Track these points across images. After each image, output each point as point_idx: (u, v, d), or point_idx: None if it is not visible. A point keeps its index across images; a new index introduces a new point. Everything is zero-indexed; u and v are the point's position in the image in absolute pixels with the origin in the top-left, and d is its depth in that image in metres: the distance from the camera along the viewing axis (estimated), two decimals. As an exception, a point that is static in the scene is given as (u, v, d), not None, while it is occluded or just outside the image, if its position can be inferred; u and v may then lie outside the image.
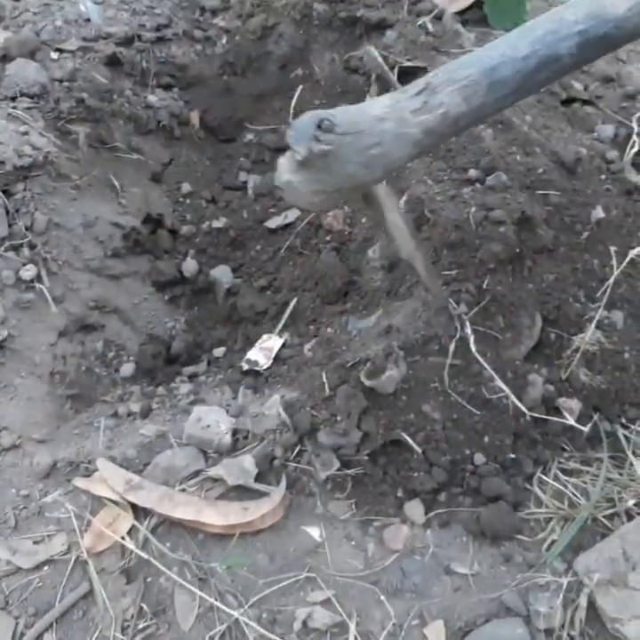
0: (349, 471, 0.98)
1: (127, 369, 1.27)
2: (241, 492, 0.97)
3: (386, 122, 0.80)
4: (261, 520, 0.94)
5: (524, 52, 0.80)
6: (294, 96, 1.32)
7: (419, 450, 0.96)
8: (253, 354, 1.18)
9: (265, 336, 1.21)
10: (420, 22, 1.43)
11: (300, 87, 1.37)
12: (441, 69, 0.83)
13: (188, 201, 1.47)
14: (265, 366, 1.15)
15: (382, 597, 0.93)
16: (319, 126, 0.78)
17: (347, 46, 1.45)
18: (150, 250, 1.40)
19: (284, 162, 0.84)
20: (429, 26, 1.44)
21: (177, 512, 0.91)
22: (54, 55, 1.36)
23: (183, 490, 0.95)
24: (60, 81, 1.33)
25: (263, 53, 1.49)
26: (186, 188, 1.47)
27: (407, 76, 1.35)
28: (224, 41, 1.51)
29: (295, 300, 1.25)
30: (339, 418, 0.95)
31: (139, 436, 1.07)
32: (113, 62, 1.41)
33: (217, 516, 0.90)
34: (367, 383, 0.96)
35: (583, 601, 0.93)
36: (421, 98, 0.81)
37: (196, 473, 0.98)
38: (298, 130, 0.79)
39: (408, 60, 1.37)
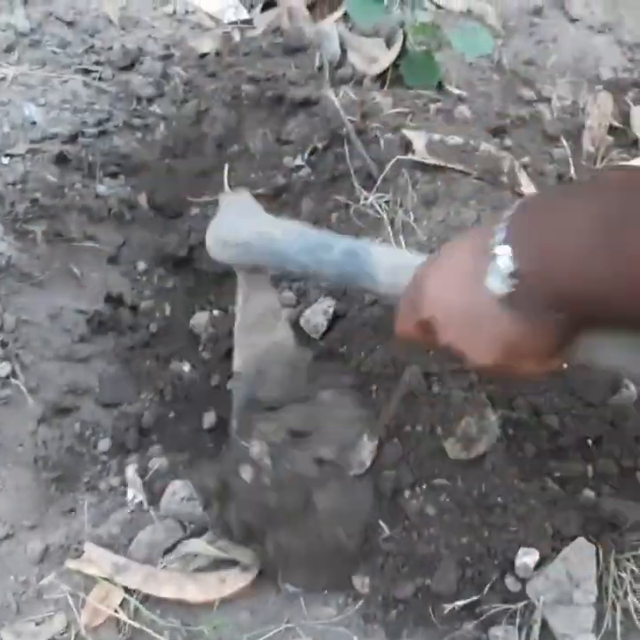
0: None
1: (104, 445, 1.34)
2: (219, 562, 1.07)
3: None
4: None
5: None
6: (229, 173, 1.52)
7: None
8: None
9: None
10: (341, 93, 1.55)
11: (226, 165, 1.53)
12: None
13: (144, 278, 1.57)
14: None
15: (355, 638, 1.04)
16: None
17: (276, 121, 1.57)
18: (113, 327, 1.50)
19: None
20: (351, 94, 1.56)
21: (162, 591, 1.01)
22: (5, 160, 1.46)
23: (165, 566, 1.06)
24: (14, 184, 1.43)
25: (200, 135, 1.59)
26: (141, 265, 1.57)
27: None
28: (162, 127, 1.62)
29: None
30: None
31: (120, 512, 1.16)
32: (61, 160, 1.51)
33: (198, 592, 1.00)
34: None
35: (536, 622, 1.04)
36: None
37: (175, 545, 1.08)
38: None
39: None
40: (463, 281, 0.79)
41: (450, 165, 1.41)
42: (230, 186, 1.56)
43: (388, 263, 0.98)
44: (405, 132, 1.46)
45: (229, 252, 1.07)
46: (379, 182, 1.40)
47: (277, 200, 1.52)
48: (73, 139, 1.56)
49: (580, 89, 1.80)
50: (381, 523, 1.05)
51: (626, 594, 1.05)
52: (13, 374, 1.29)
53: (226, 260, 1.09)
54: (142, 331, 1.51)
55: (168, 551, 1.07)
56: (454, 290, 0.80)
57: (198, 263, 1.57)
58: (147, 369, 1.47)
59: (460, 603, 1.02)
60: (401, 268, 0.94)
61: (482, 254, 0.75)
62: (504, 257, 0.73)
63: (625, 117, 1.73)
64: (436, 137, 1.45)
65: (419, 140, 1.44)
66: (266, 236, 1.04)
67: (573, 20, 2.00)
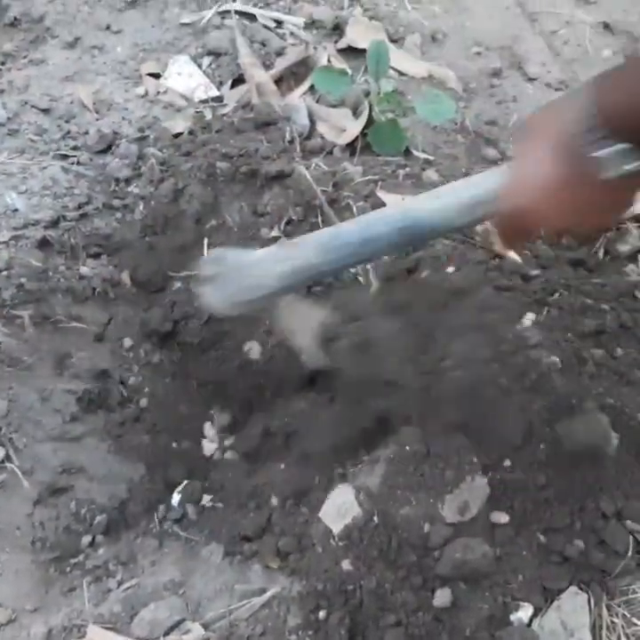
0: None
1: (100, 522, 1.36)
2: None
3: (259, 263, 1.17)
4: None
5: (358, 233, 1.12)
6: (208, 247, 1.60)
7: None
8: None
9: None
10: (313, 165, 1.61)
11: (205, 240, 1.61)
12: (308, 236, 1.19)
13: (131, 354, 1.60)
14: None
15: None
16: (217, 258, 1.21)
17: (252, 195, 1.62)
18: (103, 405, 1.53)
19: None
20: (322, 165, 1.62)
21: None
22: (-10, 249, 1.51)
23: (168, 644, 1.08)
24: (-1, 271, 1.48)
25: (178, 212, 1.64)
26: (128, 342, 1.60)
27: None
28: (141, 207, 1.66)
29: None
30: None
31: (122, 590, 1.18)
32: (44, 244, 1.55)
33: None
34: None
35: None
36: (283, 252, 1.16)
37: (178, 623, 1.09)
38: (204, 260, 1.28)
39: (308, 198, 1.56)
40: (565, 171, 0.90)
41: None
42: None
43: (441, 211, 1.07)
44: (379, 194, 1.52)
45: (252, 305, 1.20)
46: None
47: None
48: (55, 223, 1.60)
49: (541, 146, 1.86)
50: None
51: (619, 639, 1.08)
52: (8, 458, 1.31)
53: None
54: (132, 406, 1.53)
55: (171, 628, 1.09)
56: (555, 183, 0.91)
57: (182, 336, 1.61)
58: (138, 444, 1.50)
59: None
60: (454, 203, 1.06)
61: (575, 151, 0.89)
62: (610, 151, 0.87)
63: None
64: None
65: (393, 202, 1.49)
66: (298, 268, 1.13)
67: (531, 80, 2.08)
